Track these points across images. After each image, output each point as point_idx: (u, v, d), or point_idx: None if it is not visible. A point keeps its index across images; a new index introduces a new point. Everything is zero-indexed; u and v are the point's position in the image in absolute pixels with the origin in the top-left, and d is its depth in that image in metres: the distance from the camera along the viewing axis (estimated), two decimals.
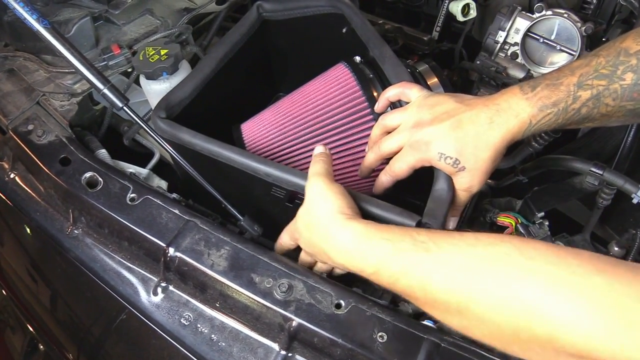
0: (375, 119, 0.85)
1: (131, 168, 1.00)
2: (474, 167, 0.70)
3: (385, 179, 0.79)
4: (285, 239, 0.79)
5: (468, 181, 0.71)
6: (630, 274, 0.47)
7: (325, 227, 0.67)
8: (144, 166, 1.03)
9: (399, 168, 0.75)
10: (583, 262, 0.49)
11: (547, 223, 0.85)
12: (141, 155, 1.08)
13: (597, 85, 0.65)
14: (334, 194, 0.69)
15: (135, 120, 0.78)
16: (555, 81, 0.67)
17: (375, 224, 0.64)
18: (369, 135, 0.86)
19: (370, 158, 0.80)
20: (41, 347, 1.05)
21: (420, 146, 0.72)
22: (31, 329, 1.06)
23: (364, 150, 0.86)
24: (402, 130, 0.74)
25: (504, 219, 0.83)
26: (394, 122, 0.77)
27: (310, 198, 0.71)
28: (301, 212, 0.73)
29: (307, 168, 0.88)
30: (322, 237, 0.68)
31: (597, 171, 0.80)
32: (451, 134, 0.69)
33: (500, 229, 0.86)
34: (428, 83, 0.93)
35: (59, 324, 0.96)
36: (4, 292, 1.16)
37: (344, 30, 1.00)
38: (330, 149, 0.87)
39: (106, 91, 0.75)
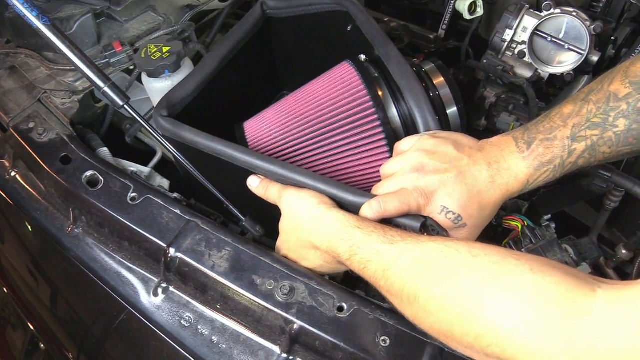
0: (380, 119, 0.84)
1: (133, 166, 0.99)
2: (475, 224, 0.69)
3: (369, 212, 0.70)
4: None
5: (465, 237, 0.69)
6: (562, 275, 0.49)
7: (309, 221, 0.71)
8: (146, 164, 1.02)
9: (393, 207, 0.68)
10: (521, 262, 0.51)
11: (553, 225, 0.84)
12: (143, 153, 1.07)
13: (591, 136, 0.64)
14: (307, 192, 0.73)
15: (137, 119, 0.77)
16: (549, 135, 0.66)
17: (353, 215, 0.69)
18: (372, 134, 0.84)
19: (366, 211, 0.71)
20: (42, 345, 1.04)
21: (422, 194, 0.68)
22: (32, 327, 1.05)
23: (367, 150, 0.85)
24: (401, 175, 0.71)
25: (510, 222, 0.81)
26: (393, 168, 0.73)
27: (288, 205, 0.75)
28: (283, 223, 0.76)
29: (311, 167, 0.88)
30: (307, 230, 0.71)
31: (605, 173, 0.78)
32: (456, 188, 0.67)
33: (506, 232, 0.84)
34: (434, 82, 0.92)
35: (59, 323, 0.95)
36: (4, 289, 1.16)
37: (348, 28, 0.99)
38: (334, 148, 0.86)
39: (107, 89, 0.74)
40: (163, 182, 1.02)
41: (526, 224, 0.81)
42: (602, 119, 0.64)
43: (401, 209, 0.68)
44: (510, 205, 0.89)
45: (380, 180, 0.88)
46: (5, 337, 1.32)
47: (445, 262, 0.56)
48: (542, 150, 0.66)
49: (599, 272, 0.89)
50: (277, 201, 0.77)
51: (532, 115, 1.08)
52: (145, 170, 1.01)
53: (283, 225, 0.77)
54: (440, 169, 0.68)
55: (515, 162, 0.67)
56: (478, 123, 1.13)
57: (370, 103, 0.85)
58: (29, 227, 0.93)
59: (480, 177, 0.67)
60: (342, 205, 0.73)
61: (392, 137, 0.85)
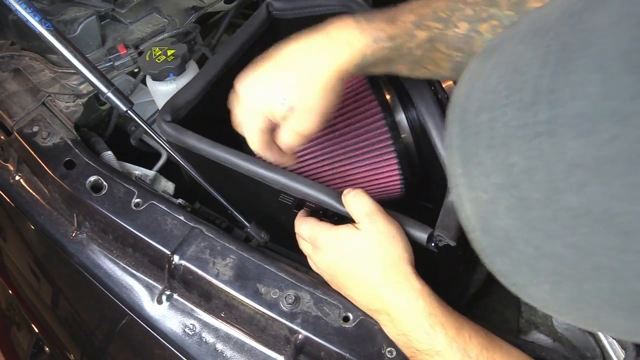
0: (388, 124, 0.83)
1: (137, 170, 0.98)
2: (303, 105, 0.61)
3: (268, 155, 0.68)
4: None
5: (298, 122, 0.62)
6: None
7: (384, 285, 0.62)
8: (151, 167, 1.02)
9: (255, 138, 0.65)
10: None
11: None
12: (148, 156, 1.06)
13: (434, 28, 0.60)
14: (396, 236, 0.64)
15: (140, 124, 0.76)
16: (392, 16, 0.61)
17: (437, 298, 0.61)
18: (380, 140, 0.83)
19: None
20: (47, 349, 1.04)
21: (247, 103, 0.63)
22: (36, 329, 1.05)
23: (374, 156, 0.84)
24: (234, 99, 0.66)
25: None
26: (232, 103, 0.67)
27: (369, 238, 0.64)
28: (337, 261, 0.66)
29: (316, 175, 0.86)
30: (369, 296, 0.64)
31: None
32: (274, 73, 0.61)
33: None
34: (443, 86, 0.90)
35: (62, 328, 0.95)
36: (9, 291, 1.16)
37: None
38: (340, 153, 0.85)
39: (110, 95, 0.73)
40: (168, 185, 1.01)
41: None
42: (447, 15, 0.60)
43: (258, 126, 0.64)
44: None
45: (386, 188, 0.88)
46: (10, 337, 1.32)
47: None
48: (383, 25, 0.60)
49: None
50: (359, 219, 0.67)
51: None
52: (150, 173, 1.00)
53: (336, 265, 0.67)
54: (260, 65, 0.63)
55: (351, 31, 0.60)
56: None
57: (378, 108, 0.84)
58: (33, 231, 0.93)
59: (302, 51, 0.61)
60: None
61: (400, 143, 0.83)
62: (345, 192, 0.69)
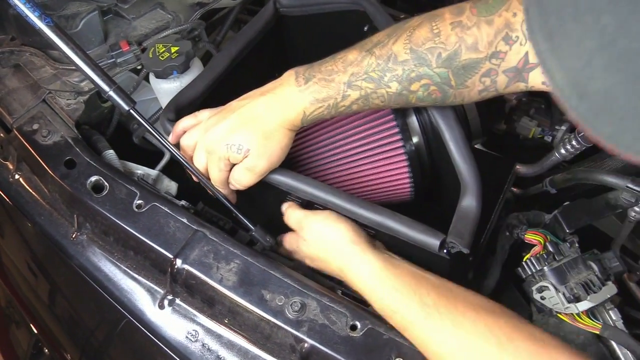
0: (399, 126, 0.80)
1: (140, 169, 0.96)
2: (257, 149, 0.71)
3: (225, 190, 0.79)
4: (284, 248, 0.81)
5: (252, 161, 0.72)
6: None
7: (341, 260, 0.71)
8: (154, 165, 0.99)
9: (218, 175, 0.75)
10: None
11: (576, 240, 0.80)
12: (151, 155, 1.04)
13: (366, 88, 0.68)
14: (340, 222, 0.72)
15: (142, 124, 0.74)
16: (328, 76, 0.69)
17: (391, 262, 0.68)
18: (390, 142, 0.81)
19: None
20: (46, 350, 1.02)
21: (213, 148, 0.73)
22: (35, 330, 1.03)
23: (384, 158, 0.81)
24: (198, 143, 0.76)
25: (532, 237, 0.77)
26: (191, 140, 0.77)
27: (313, 233, 0.75)
28: (310, 250, 0.76)
29: (325, 176, 0.84)
30: (339, 266, 0.71)
31: (635, 188, 0.74)
32: (233, 125, 0.72)
33: (527, 246, 0.80)
34: None
35: (61, 330, 0.93)
36: (7, 289, 1.14)
37: (365, 28, 0.94)
38: (350, 155, 0.82)
39: (112, 93, 0.71)
40: (171, 185, 0.99)
41: (549, 239, 0.77)
42: (379, 76, 0.67)
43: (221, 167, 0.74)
44: (532, 217, 0.85)
45: (396, 191, 0.85)
46: (8, 336, 1.30)
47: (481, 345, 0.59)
48: (317, 87, 0.69)
49: (622, 288, 0.85)
50: (298, 227, 0.77)
51: (555, 120, 1.04)
52: (152, 173, 0.98)
53: (310, 252, 0.76)
54: (221, 118, 0.74)
55: (291, 92, 0.71)
56: (497, 127, 1.09)
57: (389, 109, 0.81)
58: (32, 230, 0.90)
59: (257, 107, 0.72)
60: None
61: (411, 145, 0.81)
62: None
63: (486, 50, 0.64)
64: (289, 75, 0.73)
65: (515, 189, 1.04)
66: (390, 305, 0.65)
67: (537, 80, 0.65)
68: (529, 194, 1.01)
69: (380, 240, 0.76)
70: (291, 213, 0.78)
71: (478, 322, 0.59)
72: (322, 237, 0.73)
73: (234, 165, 0.74)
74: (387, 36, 0.68)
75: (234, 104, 0.76)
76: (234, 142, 0.71)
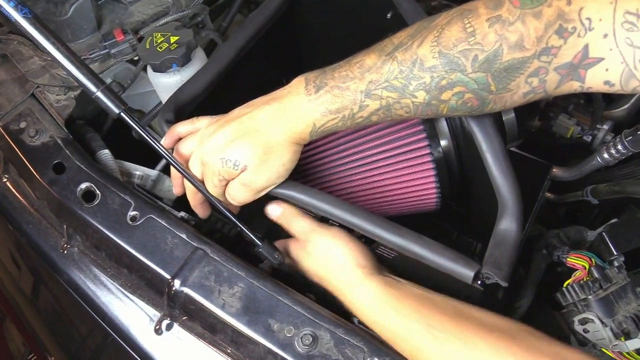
0: (426, 129, 0.71)
1: (138, 170, 0.88)
2: (256, 165, 0.64)
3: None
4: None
5: (248, 177, 0.65)
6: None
7: (343, 282, 0.65)
8: (154, 165, 0.91)
9: (213, 191, 0.68)
10: None
11: (622, 259, 0.70)
12: (152, 151, 0.96)
13: (387, 97, 0.59)
14: (346, 245, 0.66)
15: (135, 129, 0.66)
16: (342, 84, 0.60)
17: (394, 285, 0.62)
18: (416, 147, 0.72)
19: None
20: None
21: (207, 161, 0.66)
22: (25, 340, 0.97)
23: (410, 165, 0.73)
24: (194, 153, 0.69)
25: (576, 260, 0.68)
26: (186, 150, 0.70)
27: (318, 251, 0.68)
28: (310, 265, 0.69)
29: (341, 185, 0.76)
30: (339, 288, 0.66)
31: None
32: (231, 137, 0.64)
33: (564, 265, 0.71)
34: None
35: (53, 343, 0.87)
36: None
37: (388, 15, 0.85)
38: (371, 162, 0.74)
39: (99, 94, 0.62)
40: (172, 186, 0.91)
41: (594, 263, 0.67)
42: (402, 84, 0.58)
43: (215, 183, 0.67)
44: (574, 235, 0.75)
45: (420, 201, 0.77)
46: (2, 331, 1.27)
47: None
48: (330, 97, 0.61)
49: None
50: (303, 238, 0.69)
51: (596, 118, 0.94)
52: (152, 173, 0.90)
53: (311, 267, 0.69)
54: (219, 127, 0.65)
55: (300, 103, 0.62)
56: (530, 123, 0.99)
57: None
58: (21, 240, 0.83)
59: (259, 117, 0.64)
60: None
61: (439, 150, 0.72)
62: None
63: (534, 47, 0.54)
64: (298, 83, 0.64)
65: (549, 194, 0.95)
66: (394, 331, 0.59)
67: (597, 78, 0.54)
68: (564, 201, 0.92)
69: (402, 261, 0.67)
70: (296, 221, 0.70)
71: (492, 342, 0.54)
72: (327, 256, 0.67)
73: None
74: (410, 37, 0.59)
75: (235, 112, 0.67)
76: (230, 156, 0.64)
